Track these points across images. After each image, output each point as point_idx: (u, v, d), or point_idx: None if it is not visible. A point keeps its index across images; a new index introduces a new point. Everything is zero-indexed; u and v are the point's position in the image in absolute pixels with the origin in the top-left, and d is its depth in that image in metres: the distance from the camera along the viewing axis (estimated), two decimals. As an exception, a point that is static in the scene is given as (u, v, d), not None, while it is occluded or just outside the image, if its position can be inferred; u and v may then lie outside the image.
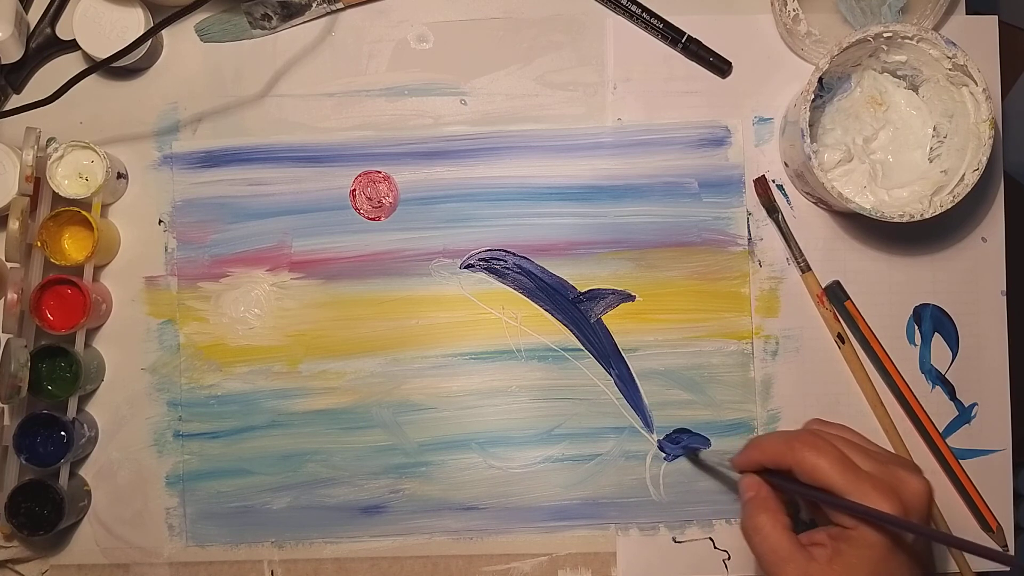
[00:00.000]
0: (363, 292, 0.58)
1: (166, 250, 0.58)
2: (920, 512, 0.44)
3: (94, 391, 0.58)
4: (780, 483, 0.47)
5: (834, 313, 0.58)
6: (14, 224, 0.54)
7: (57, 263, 0.55)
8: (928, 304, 0.58)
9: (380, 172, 0.58)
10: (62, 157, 0.56)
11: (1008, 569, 0.58)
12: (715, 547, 0.58)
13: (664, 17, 0.58)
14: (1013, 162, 0.67)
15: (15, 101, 0.59)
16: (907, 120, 0.56)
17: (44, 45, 0.58)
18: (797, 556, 0.44)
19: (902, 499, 0.43)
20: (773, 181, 0.58)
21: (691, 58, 0.59)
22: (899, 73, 0.56)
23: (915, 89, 0.56)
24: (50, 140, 0.56)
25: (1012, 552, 0.58)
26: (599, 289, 0.58)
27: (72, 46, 0.57)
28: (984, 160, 0.52)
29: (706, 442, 0.57)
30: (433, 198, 0.58)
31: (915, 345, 0.58)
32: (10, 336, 0.54)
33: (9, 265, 0.55)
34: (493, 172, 0.58)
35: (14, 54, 0.57)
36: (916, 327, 0.58)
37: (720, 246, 0.58)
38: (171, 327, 0.58)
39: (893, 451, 0.47)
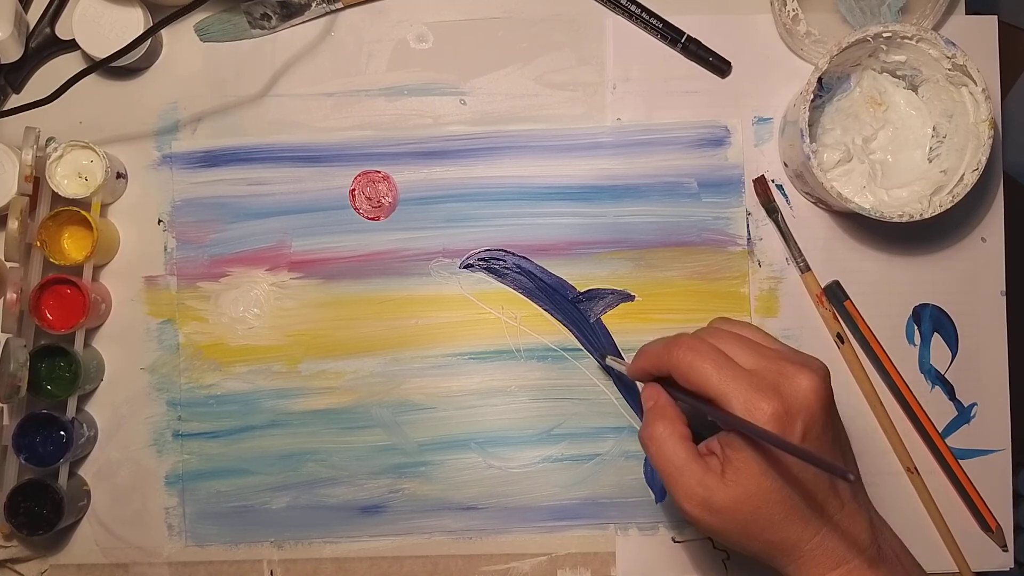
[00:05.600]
0: (363, 292, 0.58)
1: (166, 250, 0.58)
2: (807, 410, 0.41)
3: (93, 391, 0.58)
4: (673, 392, 0.45)
5: (833, 313, 0.58)
6: (13, 224, 0.54)
7: (56, 263, 0.55)
8: (928, 304, 0.58)
9: (379, 172, 0.58)
10: (61, 157, 0.56)
11: (1008, 569, 0.58)
12: (714, 547, 0.58)
13: (664, 17, 0.58)
14: (1013, 162, 0.67)
15: (15, 101, 0.58)
16: (907, 120, 0.56)
17: (44, 45, 0.58)
18: (692, 466, 0.42)
19: (783, 396, 0.41)
20: (772, 181, 0.58)
21: (691, 58, 0.59)
22: (899, 73, 0.56)
23: (915, 89, 0.56)
24: (49, 140, 0.56)
25: (1011, 551, 0.58)
26: (599, 289, 0.58)
27: (72, 46, 0.57)
28: (983, 160, 0.52)
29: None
30: (433, 198, 0.58)
31: (915, 345, 0.58)
32: (9, 336, 0.54)
33: (8, 265, 0.55)
34: (493, 172, 0.58)
35: (14, 54, 0.57)
36: (916, 327, 0.58)
37: (720, 246, 0.58)
38: (171, 327, 0.58)
39: (794, 349, 0.44)
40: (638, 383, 0.48)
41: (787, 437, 0.41)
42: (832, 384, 0.56)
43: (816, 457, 0.39)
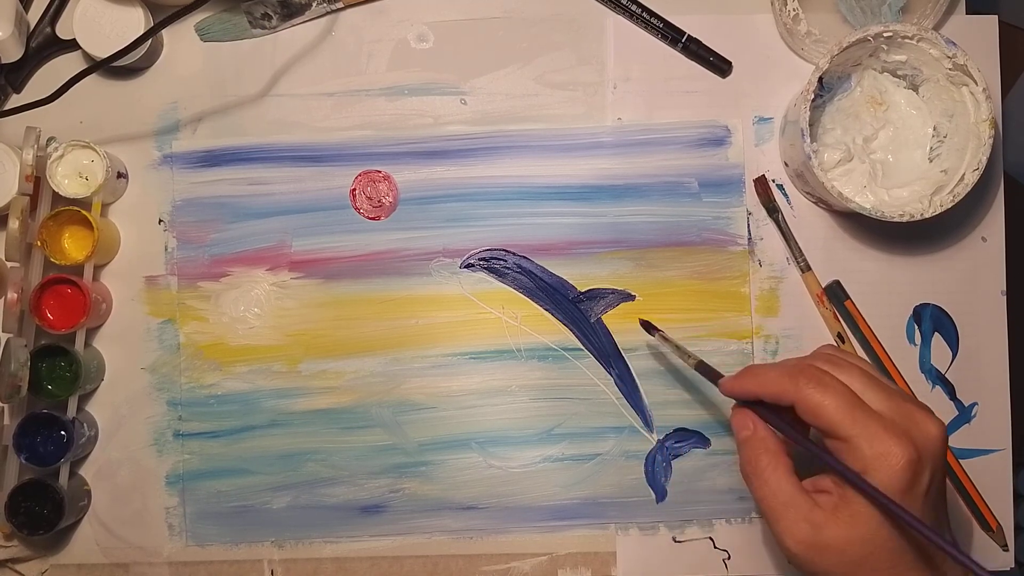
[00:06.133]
0: (363, 292, 0.58)
1: (166, 250, 0.58)
2: (935, 458, 0.40)
3: (94, 391, 0.58)
4: (773, 421, 0.43)
5: (834, 313, 0.58)
6: (14, 223, 0.54)
7: (57, 262, 0.55)
8: (928, 304, 0.58)
9: (380, 172, 0.58)
10: (62, 156, 0.56)
11: (1009, 569, 0.58)
12: (715, 547, 0.58)
13: (664, 17, 0.58)
14: (1013, 162, 0.67)
15: (15, 100, 0.58)
16: (907, 120, 0.56)
17: (44, 44, 0.58)
18: (800, 501, 0.41)
19: (916, 443, 0.39)
20: (773, 181, 0.58)
21: (691, 58, 0.59)
22: (899, 73, 0.56)
23: (915, 89, 0.56)
24: (50, 139, 0.56)
25: (1011, 551, 0.58)
26: (599, 289, 0.58)
27: (72, 46, 0.57)
28: (984, 160, 0.52)
29: (706, 442, 0.57)
30: (433, 198, 0.58)
31: (915, 345, 0.58)
32: (10, 335, 0.54)
33: (9, 264, 0.55)
34: (493, 172, 0.58)
35: (14, 54, 0.57)
36: (916, 327, 0.58)
37: (720, 246, 0.58)
38: (171, 326, 0.58)
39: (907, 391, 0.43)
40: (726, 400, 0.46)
41: (918, 486, 0.40)
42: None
43: (949, 545, 0.37)
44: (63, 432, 0.55)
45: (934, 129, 0.56)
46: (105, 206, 0.58)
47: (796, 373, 0.42)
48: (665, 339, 0.53)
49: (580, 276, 0.58)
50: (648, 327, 0.54)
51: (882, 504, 0.39)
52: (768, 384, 0.43)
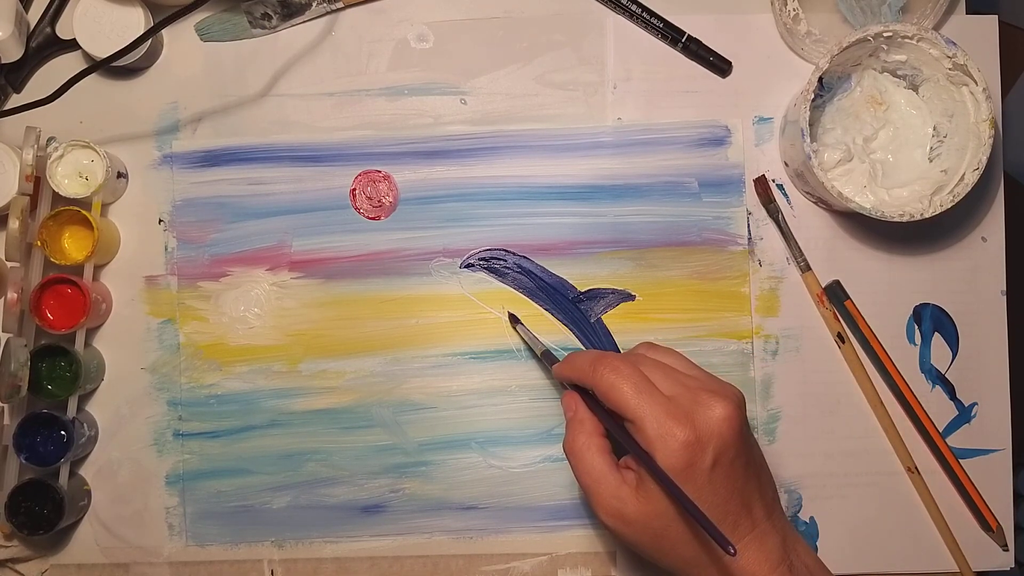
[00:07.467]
0: (363, 292, 0.58)
1: (166, 249, 0.58)
2: (719, 438, 0.42)
3: (94, 391, 0.58)
4: (590, 404, 0.46)
5: (834, 313, 0.58)
6: (14, 223, 0.54)
7: (57, 262, 0.55)
8: (928, 304, 0.58)
9: (380, 172, 0.58)
10: (62, 156, 0.56)
11: (1009, 568, 0.58)
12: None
13: (664, 17, 0.58)
14: (1013, 162, 0.67)
15: (15, 100, 0.59)
16: (907, 120, 0.57)
17: (44, 44, 0.58)
18: (610, 478, 0.44)
19: (696, 424, 0.42)
20: (773, 181, 0.58)
21: (691, 58, 0.59)
22: (899, 73, 0.56)
23: (915, 89, 0.56)
24: (50, 139, 0.56)
25: (1012, 551, 0.58)
26: (599, 289, 0.58)
27: (72, 45, 0.57)
28: (984, 160, 0.52)
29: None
30: (433, 198, 0.58)
31: (915, 345, 0.58)
32: (10, 335, 0.54)
33: (9, 264, 0.55)
34: (493, 172, 0.58)
35: (14, 53, 0.57)
36: (916, 327, 0.58)
37: (720, 246, 0.58)
38: (171, 326, 0.58)
39: (714, 376, 0.46)
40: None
41: (698, 464, 0.42)
42: (832, 384, 0.56)
43: (704, 520, 0.39)
44: (63, 432, 0.55)
45: (934, 129, 0.56)
46: (105, 206, 0.58)
47: (597, 359, 0.45)
48: (525, 330, 0.56)
49: (580, 276, 0.58)
50: (513, 319, 0.57)
51: (660, 479, 0.42)
52: (576, 369, 0.47)
